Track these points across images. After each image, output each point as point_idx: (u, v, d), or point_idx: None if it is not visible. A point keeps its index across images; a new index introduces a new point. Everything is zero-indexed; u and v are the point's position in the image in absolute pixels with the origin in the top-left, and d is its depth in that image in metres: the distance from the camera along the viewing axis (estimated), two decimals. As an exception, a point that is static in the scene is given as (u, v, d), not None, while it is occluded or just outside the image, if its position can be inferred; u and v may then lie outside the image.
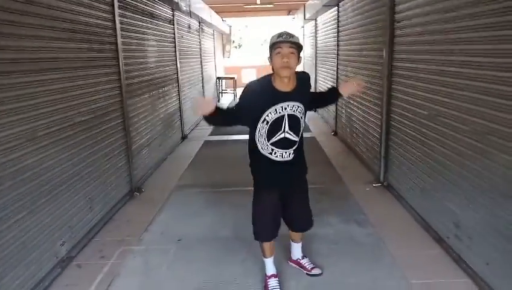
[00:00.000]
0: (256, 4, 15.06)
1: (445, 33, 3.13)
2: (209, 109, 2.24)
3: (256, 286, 2.86)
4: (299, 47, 2.29)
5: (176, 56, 7.15)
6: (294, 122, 2.41)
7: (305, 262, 3.03)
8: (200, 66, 10.00)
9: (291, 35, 2.28)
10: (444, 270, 2.94)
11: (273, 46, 2.28)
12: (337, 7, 7.20)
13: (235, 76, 15.07)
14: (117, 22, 4.29)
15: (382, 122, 4.64)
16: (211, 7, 12.07)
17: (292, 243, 3.08)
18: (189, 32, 8.46)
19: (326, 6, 7.66)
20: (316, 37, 9.99)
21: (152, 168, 5.57)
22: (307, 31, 11.67)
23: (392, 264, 3.06)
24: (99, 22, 3.90)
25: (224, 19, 15.33)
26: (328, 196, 4.48)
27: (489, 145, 2.58)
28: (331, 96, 2.83)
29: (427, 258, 3.13)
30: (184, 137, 7.73)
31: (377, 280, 2.86)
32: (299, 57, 2.32)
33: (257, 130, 2.42)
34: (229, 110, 2.55)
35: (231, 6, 15.50)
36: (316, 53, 10.08)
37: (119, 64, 4.33)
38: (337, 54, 7.30)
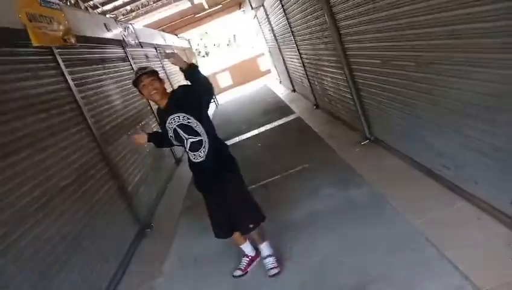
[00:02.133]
0: (205, 10, 15.16)
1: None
2: (141, 140, 3.10)
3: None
4: (154, 73, 2.73)
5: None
6: (187, 129, 2.72)
7: (266, 261, 3.08)
8: (171, 88, 10.07)
9: (144, 68, 2.74)
10: (443, 201, 3.03)
11: (136, 82, 2.70)
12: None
13: (210, 84, 15.13)
14: (69, 79, 4.36)
15: (348, 82, 4.70)
16: (162, 29, 12.16)
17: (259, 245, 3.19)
18: (148, 61, 8.54)
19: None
20: (269, 22, 10.04)
21: (155, 201, 5.68)
22: (260, 18, 11.71)
23: (395, 214, 3.15)
24: (50, 87, 3.98)
25: (179, 35, 15.40)
26: (322, 170, 4.58)
27: (433, 73, 2.67)
28: (188, 77, 2.64)
29: (424, 195, 3.21)
30: (178, 161, 7.83)
31: (383, 235, 2.95)
32: (160, 79, 2.75)
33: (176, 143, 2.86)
34: (160, 132, 3.03)
35: (183, 21, 15.61)
36: (275, 37, 10.13)
37: (86, 119, 4.42)
38: (292, 32, 7.36)
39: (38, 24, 3.69)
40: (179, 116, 2.70)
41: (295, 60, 8.43)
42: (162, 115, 2.81)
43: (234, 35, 31.07)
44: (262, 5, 9.96)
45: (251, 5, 10.49)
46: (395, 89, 3.49)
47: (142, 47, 8.06)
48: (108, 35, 5.98)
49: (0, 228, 2.65)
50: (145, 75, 2.67)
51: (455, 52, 2.42)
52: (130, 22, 7.93)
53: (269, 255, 3.08)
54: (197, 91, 2.63)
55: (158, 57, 9.86)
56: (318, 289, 2.69)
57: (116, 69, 6.22)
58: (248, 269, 3.18)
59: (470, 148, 2.65)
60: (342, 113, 5.84)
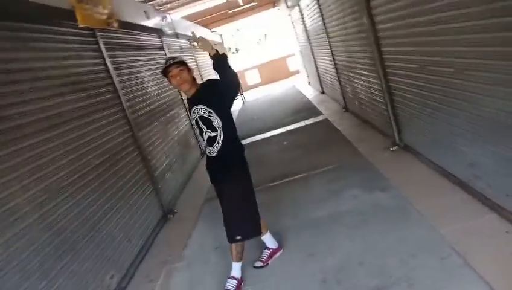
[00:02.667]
0: (240, 6, 15.24)
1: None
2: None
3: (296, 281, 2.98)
4: (183, 63, 2.75)
5: (174, 79, 7.36)
6: (207, 122, 2.78)
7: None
8: (201, 81, 10.20)
9: (174, 58, 2.77)
10: (470, 212, 2.98)
11: (164, 72, 2.76)
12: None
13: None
14: (108, 63, 4.52)
15: (382, 86, 4.67)
16: (197, 22, 12.32)
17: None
18: (181, 52, 8.69)
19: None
20: (303, 21, 10.03)
21: (179, 188, 5.79)
22: (294, 17, 11.71)
23: (420, 219, 3.12)
24: (91, 68, 4.14)
25: (213, 29, 15.55)
26: (348, 171, 4.57)
27: (471, 80, 2.64)
28: (215, 66, 2.65)
29: (452, 204, 3.17)
30: (204, 152, 7.94)
31: (407, 238, 2.94)
32: (189, 69, 2.78)
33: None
34: None
35: (217, 16, 15.74)
36: (308, 37, 10.12)
37: (121, 102, 4.57)
38: (327, 33, 7.34)
39: (86, 6, 3.83)
40: (201, 108, 2.76)
41: (327, 62, 8.40)
42: (189, 104, 2.90)
43: (265, 34, 31.18)
44: (298, 5, 9.96)
45: (286, 4, 10.50)
46: (430, 95, 3.45)
47: (177, 38, 8.21)
48: (147, 23, 6.12)
49: (39, 197, 2.78)
50: (174, 65, 2.72)
51: (494, 60, 2.38)
52: (167, 12, 8.08)
53: (233, 277, 2.99)
54: (223, 83, 2.62)
55: (191, 49, 10.01)
56: (338, 288, 2.70)
57: (151, 57, 6.37)
58: (269, 261, 3.21)
59: (504, 159, 2.61)
60: (372, 118, 5.79)
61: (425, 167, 3.97)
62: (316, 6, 7.55)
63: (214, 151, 2.82)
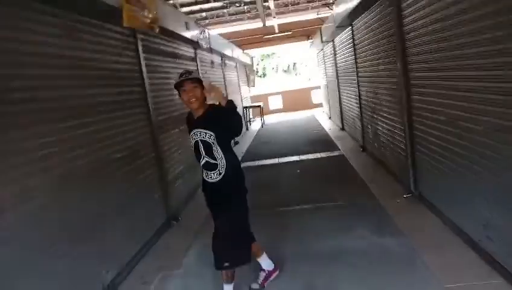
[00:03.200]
0: (275, 33, 15.59)
1: (454, 39, 3.21)
2: None
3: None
4: (199, 80, 2.67)
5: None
6: (207, 148, 2.71)
7: None
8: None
9: (190, 73, 2.69)
10: (478, 273, 2.91)
11: (178, 85, 2.67)
12: (351, 26, 7.39)
13: (262, 104, 15.41)
14: (143, 65, 4.66)
15: (405, 132, 4.68)
16: (231, 41, 12.61)
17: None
18: (212, 67, 8.88)
19: (341, 27, 7.87)
20: (335, 57, 10.18)
21: (186, 197, 5.80)
22: (327, 52, 11.90)
23: (426, 270, 3.06)
24: (126, 67, 4.28)
25: (245, 50, 15.87)
26: (359, 210, 4.53)
27: (499, 141, 2.63)
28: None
29: (460, 262, 3.11)
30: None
31: (411, 288, 2.87)
32: (202, 88, 2.67)
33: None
34: None
35: (251, 38, 16.11)
36: (337, 73, 10.24)
37: (148, 104, 4.67)
38: (357, 71, 7.43)
39: (133, 7, 3.98)
40: (205, 133, 2.69)
41: (352, 100, 8.46)
42: (191, 123, 2.82)
43: (294, 63, 31.64)
44: (333, 41, 10.14)
45: (321, 38, 10.70)
46: (454, 150, 3.43)
47: (211, 52, 8.41)
48: (186, 33, 6.30)
49: (53, 181, 2.83)
50: (189, 81, 2.64)
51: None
52: (205, 27, 8.31)
53: None
54: (228, 123, 2.61)
55: (221, 66, 10.22)
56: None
57: (183, 66, 6.52)
58: (265, 283, 3.16)
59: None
60: (390, 162, 5.76)
61: (438, 220, 3.91)
62: (350, 45, 7.68)
63: (213, 177, 2.76)
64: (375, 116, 6.35)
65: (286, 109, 19.17)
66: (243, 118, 13.65)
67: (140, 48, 4.60)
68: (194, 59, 7.22)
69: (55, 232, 2.77)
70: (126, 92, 4.17)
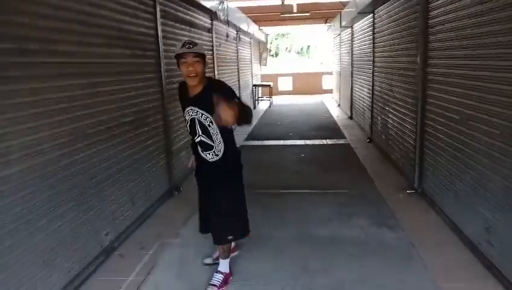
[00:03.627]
0: (293, 13, 15.27)
1: (478, 38, 3.14)
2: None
3: (284, 281, 2.96)
4: (202, 55, 2.45)
5: (214, 64, 7.43)
6: (204, 128, 2.55)
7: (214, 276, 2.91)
8: (237, 73, 10.27)
9: (195, 44, 2.43)
10: (475, 276, 2.92)
11: (179, 56, 2.44)
12: (372, 14, 7.23)
13: (271, 84, 15.26)
14: (159, 30, 4.57)
15: (417, 128, 4.63)
16: (248, 16, 12.37)
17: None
18: (227, 40, 8.75)
19: (362, 14, 7.70)
20: (352, 44, 10.01)
21: (190, 169, 5.79)
22: (344, 38, 11.69)
23: (422, 267, 3.07)
24: (142, 30, 4.19)
25: (261, 27, 15.60)
26: (360, 200, 4.53)
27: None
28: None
29: (457, 263, 3.11)
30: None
31: (404, 282, 2.89)
32: (205, 63, 2.48)
33: (187, 127, 2.68)
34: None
35: (268, 15, 15.79)
36: (352, 60, 10.09)
37: (160, 70, 4.61)
38: (373, 61, 7.31)
39: (155, -31, 3.88)
40: (202, 113, 2.52)
41: (365, 89, 8.36)
42: (185, 97, 2.63)
43: (308, 46, 31.20)
44: (351, 27, 9.94)
45: (340, 23, 10.48)
46: (464, 150, 3.39)
47: (227, 25, 8.26)
48: (205, 2, 6.17)
49: (63, 136, 2.81)
50: (192, 54, 2.41)
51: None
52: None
53: (220, 272, 2.90)
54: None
55: (235, 40, 10.07)
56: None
57: (198, 36, 6.44)
58: (224, 288, 2.90)
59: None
60: (396, 156, 5.73)
61: (439, 219, 3.91)
62: (370, 33, 7.53)
63: (208, 157, 2.66)
64: (387, 108, 6.28)
65: (295, 91, 19.01)
66: (252, 95, 13.61)
67: (158, 13, 4.50)
68: (210, 30, 7.10)
69: (60, 189, 2.77)
70: (139, 55, 4.11)
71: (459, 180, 3.54)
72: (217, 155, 2.64)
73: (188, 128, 2.68)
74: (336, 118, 11.08)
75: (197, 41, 2.51)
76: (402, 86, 5.33)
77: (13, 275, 2.33)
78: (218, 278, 2.89)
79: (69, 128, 2.88)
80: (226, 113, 2.08)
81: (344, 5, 10.35)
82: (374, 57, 7.28)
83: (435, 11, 4.04)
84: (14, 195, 2.34)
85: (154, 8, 4.44)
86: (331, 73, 17.44)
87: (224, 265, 2.96)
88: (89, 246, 3.13)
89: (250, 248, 3.43)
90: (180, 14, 5.47)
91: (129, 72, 3.87)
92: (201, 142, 2.63)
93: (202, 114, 2.52)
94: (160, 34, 4.57)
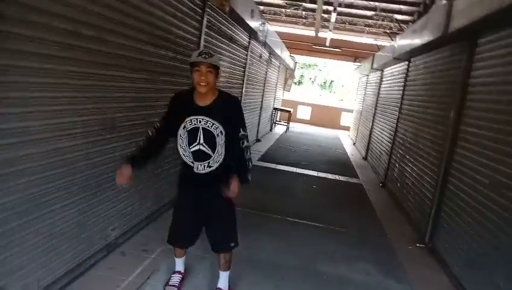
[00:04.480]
0: (325, 46, 15.47)
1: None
2: (126, 173, 2.51)
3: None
4: (216, 67, 2.47)
5: (243, 80, 7.49)
6: (209, 137, 2.52)
7: None
8: (261, 94, 10.33)
9: (210, 55, 2.46)
10: None
11: (193, 64, 2.45)
12: (407, 62, 7.25)
13: (291, 110, 15.31)
14: (202, 39, 4.63)
15: (437, 183, 4.55)
16: (282, 41, 12.54)
17: (219, 272, 2.94)
18: (259, 61, 8.84)
19: (396, 60, 7.73)
20: (379, 87, 10.04)
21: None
22: (372, 79, 11.74)
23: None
24: (187, 36, 4.25)
25: (292, 54, 15.79)
26: (369, 244, 4.43)
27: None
28: (228, 168, 2.61)
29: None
30: (258, 140, 7.89)
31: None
32: (217, 74, 2.50)
33: (178, 137, 2.57)
34: (150, 136, 2.63)
35: (301, 44, 16.03)
36: (376, 103, 10.09)
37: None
38: (400, 108, 7.29)
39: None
40: (213, 123, 2.51)
41: (385, 133, 8.32)
42: (191, 108, 2.54)
43: (332, 81, 31.45)
44: (382, 70, 9.99)
45: (372, 65, 10.55)
46: (491, 217, 3.30)
47: (264, 46, 8.36)
48: (249, 21, 6.26)
49: (96, 126, 2.81)
50: (206, 64, 2.42)
51: None
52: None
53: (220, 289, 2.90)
54: (232, 148, 2.57)
55: (267, 62, 10.17)
56: None
57: (234, 52, 6.50)
58: (182, 286, 2.97)
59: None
60: (410, 206, 5.63)
61: (448, 280, 3.79)
62: (401, 80, 7.54)
63: (205, 167, 2.57)
64: (408, 156, 6.21)
65: (313, 122, 19.04)
66: (270, 118, 13.67)
67: (204, 23, 4.57)
68: (246, 48, 7.18)
69: (78, 177, 2.75)
70: (179, 60, 4.14)
71: (476, 244, 3.44)
72: (210, 167, 2.57)
73: (184, 137, 2.56)
74: (350, 155, 11.01)
75: (213, 52, 2.54)
76: (428, 138, 5.28)
77: (15, 256, 2.27)
78: None
79: (100, 118, 2.88)
80: (235, 193, 2.51)
81: (379, 48, 10.46)
82: (401, 104, 7.26)
83: (479, 71, 4.03)
84: (33, 175, 2.31)
85: (202, 17, 4.51)
86: (350, 111, 17.48)
87: (224, 280, 2.91)
88: (94, 238, 3.08)
89: (256, 272, 3.35)
90: (223, 28, 5.55)
91: (168, 74, 3.90)
92: (197, 151, 2.55)
93: (213, 124, 2.52)
94: (202, 43, 4.62)
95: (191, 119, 2.53)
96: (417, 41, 5.82)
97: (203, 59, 2.41)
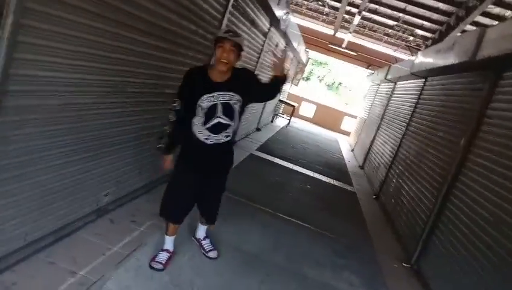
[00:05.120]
0: (340, 47, 15.32)
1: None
2: (169, 160, 2.85)
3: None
4: (240, 46, 2.54)
5: (255, 66, 7.35)
6: (228, 109, 2.60)
7: (205, 243, 3.26)
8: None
9: (236, 35, 2.52)
10: None
11: (218, 40, 2.51)
12: (424, 79, 7.16)
13: (296, 105, 15.20)
14: (225, 17, 4.49)
15: (435, 206, 4.51)
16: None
17: (198, 224, 3.26)
18: (275, 49, 8.69)
19: (413, 75, 7.64)
20: (389, 99, 9.95)
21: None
22: (382, 90, 11.64)
23: None
24: (212, 11, 4.11)
25: (307, 49, 15.63)
26: (355, 254, 4.40)
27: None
28: (273, 82, 2.82)
29: None
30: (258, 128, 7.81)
31: None
32: (239, 54, 2.57)
33: (194, 116, 2.60)
34: (174, 120, 2.67)
35: (318, 40, 15.85)
36: (383, 114, 10.02)
37: (212, 56, 4.50)
38: (408, 124, 7.22)
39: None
40: (230, 95, 2.58)
41: (388, 146, 8.26)
42: (208, 85, 2.57)
43: (340, 83, 31.28)
44: (395, 83, 9.89)
45: (386, 75, 10.44)
46: (485, 252, 3.26)
47: (283, 36, 8.21)
48: (274, 8, 6.11)
49: (108, 87, 2.70)
50: (231, 41, 2.47)
51: None
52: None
53: (206, 237, 3.29)
54: (264, 92, 2.79)
55: (282, 52, 10.01)
56: None
57: (253, 36, 6.36)
58: (168, 265, 2.93)
59: None
60: (401, 224, 5.60)
61: (429, 304, 3.78)
62: (414, 97, 7.45)
63: (218, 138, 2.62)
64: (407, 174, 6.17)
65: (314, 120, 18.97)
66: (274, 109, 13.57)
67: (231, 1, 4.43)
68: (265, 34, 7.04)
69: (84, 136, 2.68)
70: (200, 34, 4.02)
71: (466, 276, 3.41)
72: (227, 136, 2.67)
73: (200, 116, 2.58)
74: (347, 161, 10.98)
75: (240, 32, 2.57)
76: (433, 160, 5.23)
77: (9, 206, 2.20)
78: (208, 243, 3.27)
79: (113, 80, 2.79)
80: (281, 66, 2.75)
81: (397, 60, 10.34)
82: (410, 120, 7.19)
83: (499, 104, 3.96)
84: (46, 126, 2.23)
85: (231, -5, 4.37)
86: (354, 116, 17.42)
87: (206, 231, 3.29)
88: (87, 201, 3.01)
89: (242, 263, 3.31)
90: (248, 10, 5.40)
91: (186, 47, 3.78)
92: (216, 125, 2.59)
93: (233, 96, 2.59)
94: (225, 21, 4.49)
95: (208, 97, 2.54)
96: (440, 61, 5.72)
97: (228, 36, 2.46)
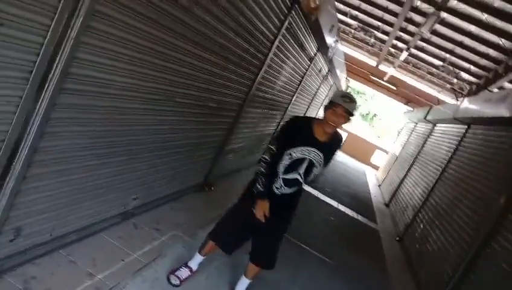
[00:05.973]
0: (381, 79, 15.14)
1: None
2: (267, 207, 2.60)
3: None
4: (351, 114, 2.49)
5: (296, 89, 7.33)
6: (309, 169, 2.60)
7: None
8: (307, 107, 10.13)
9: (352, 101, 2.47)
10: None
11: (332, 102, 2.48)
12: (467, 126, 6.92)
13: (328, 131, 15.04)
14: (277, 40, 4.51)
15: (463, 262, 4.28)
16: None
17: (241, 277, 2.97)
18: (317, 75, 8.66)
19: (455, 120, 7.40)
20: (426, 140, 9.67)
21: (229, 173, 5.67)
22: (420, 129, 11.35)
23: None
24: (265, 31, 4.13)
25: (348, 77, 15.55)
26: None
27: None
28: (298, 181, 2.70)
29: None
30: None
31: None
32: (348, 120, 2.52)
33: (281, 160, 2.58)
34: (270, 162, 2.61)
35: (359, 70, 15.75)
36: (417, 154, 9.74)
37: (257, 75, 4.54)
38: (443, 170, 6.96)
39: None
40: (320, 158, 2.60)
41: (419, 189, 7.99)
42: (308, 138, 2.57)
43: (375, 115, 30.84)
44: (434, 125, 9.62)
45: (426, 115, 10.18)
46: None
47: (328, 63, 8.18)
48: (326, 34, 6.10)
49: (161, 94, 2.73)
50: (343, 108, 2.43)
51: None
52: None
53: None
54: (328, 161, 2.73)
55: (324, 78, 9.96)
56: None
57: (299, 59, 6.35)
58: (185, 282, 2.85)
59: None
60: (423, 272, 5.36)
61: None
62: (454, 143, 7.19)
63: (284, 191, 2.66)
64: (437, 222, 5.91)
65: (344, 149, 18.72)
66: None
67: (286, 23, 4.45)
68: (311, 59, 7.02)
69: (127, 139, 2.71)
70: (250, 53, 4.04)
71: None
72: (296, 190, 2.73)
73: (285, 164, 2.58)
74: (373, 197, 10.70)
75: (354, 98, 2.54)
76: (467, 213, 4.99)
77: (41, 201, 2.22)
78: None
79: (166, 88, 2.81)
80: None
81: (439, 102, 10.09)
82: (446, 166, 6.93)
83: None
84: (89, 126, 2.26)
85: (285, 18, 4.39)
86: (385, 151, 17.07)
87: (243, 287, 2.94)
88: (115, 203, 3.03)
89: (259, 288, 3.21)
90: (299, 34, 5.41)
91: (235, 64, 3.80)
92: (292, 180, 2.62)
93: (321, 158, 2.61)
94: (276, 43, 4.50)
95: (302, 149, 2.56)
96: (488, 110, 5.51)
97: (343, 102, 2.43)
